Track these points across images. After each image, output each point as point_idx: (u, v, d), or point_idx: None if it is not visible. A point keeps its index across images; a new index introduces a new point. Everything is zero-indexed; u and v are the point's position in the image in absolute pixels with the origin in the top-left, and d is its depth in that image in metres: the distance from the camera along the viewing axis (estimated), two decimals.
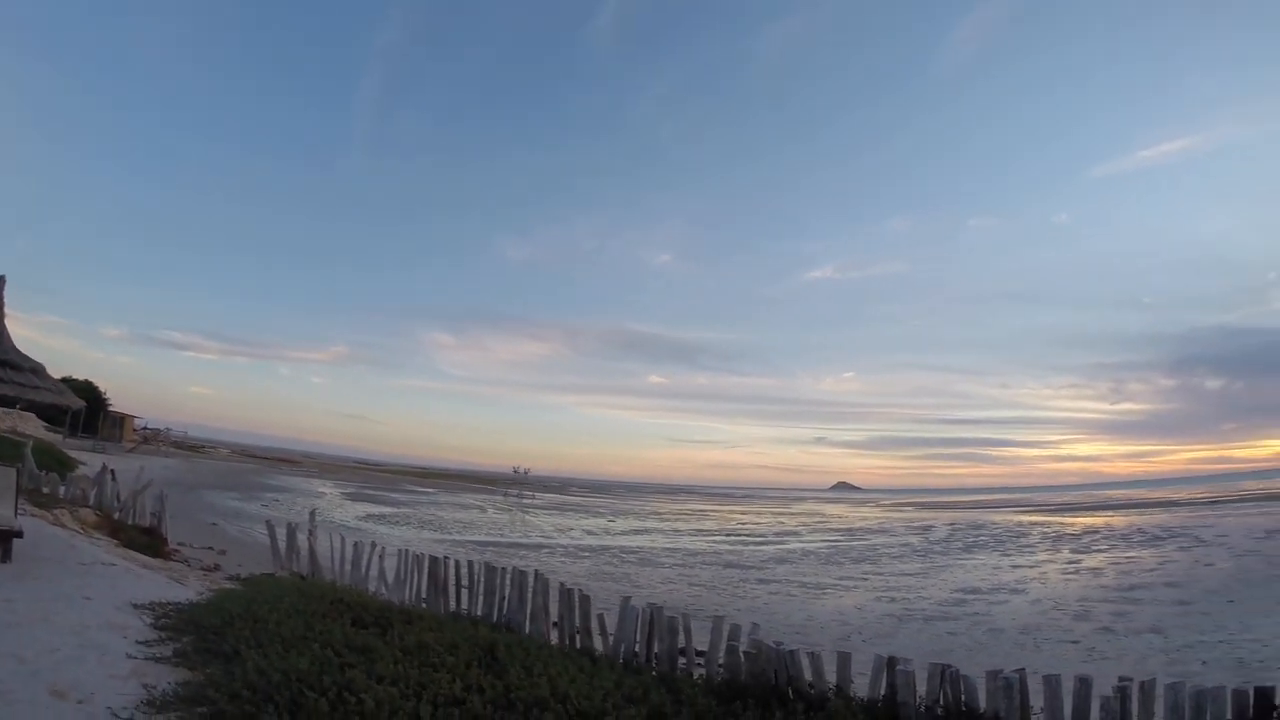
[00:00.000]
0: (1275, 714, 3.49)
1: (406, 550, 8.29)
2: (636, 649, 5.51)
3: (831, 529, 38.40)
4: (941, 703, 4.25)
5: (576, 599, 6.06)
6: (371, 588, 8.26)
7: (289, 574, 8.73)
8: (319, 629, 4.68)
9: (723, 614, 5.98)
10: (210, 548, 12.67)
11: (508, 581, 6.79)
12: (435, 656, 4.24)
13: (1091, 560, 21.48)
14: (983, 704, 4.16)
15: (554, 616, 6.22)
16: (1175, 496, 66.90)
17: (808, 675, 4.63)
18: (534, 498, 59.95)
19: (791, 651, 4.73)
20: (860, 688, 4.56)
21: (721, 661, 5.07)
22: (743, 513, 56.09)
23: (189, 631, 4.77)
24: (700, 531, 34.86)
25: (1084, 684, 4.04)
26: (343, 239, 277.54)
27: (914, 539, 31.06)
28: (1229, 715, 3.63)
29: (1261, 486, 71.41)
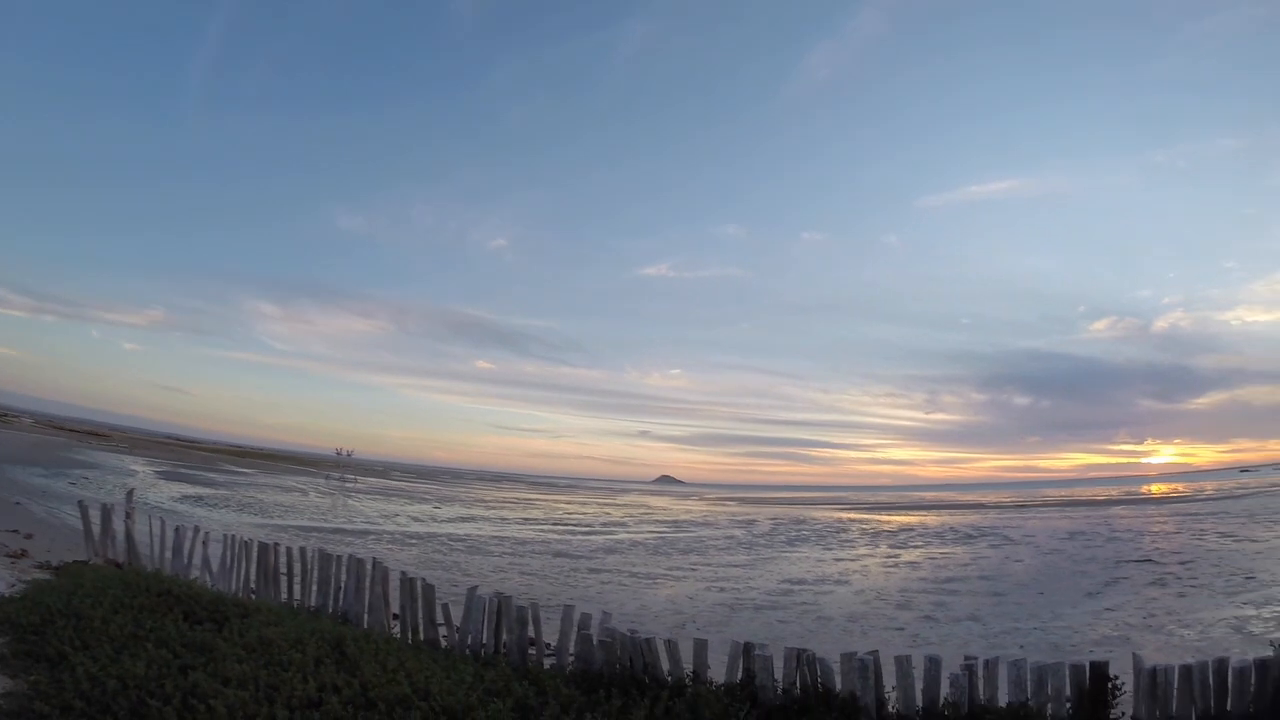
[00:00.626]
0: (1110, 685, 3.95)
1: (232, 536, 8.15)
2: (484, 640, 5.48)
3: (657, 521, 41.04)
4: (799, 684, 4.32)
5: (420, 589, 5.98)
6: (195, 575, 8.10)
7: (104, 561, 8.61)
8: (150, 625, 4.61)
9: (556, 604, 6.12)
10: (15, 531, 12.31)
11: (344, 570, 6.69)
12: (281, 654, 4.19)
13: (909, 555, 24.56)
14: (839, 685, 4.29)
15: (394, 608, 6.30)
16: (984, 500, 79.64)
17: (665, 663, 4.63)
18: (356, 481, 61.14)
19: (648, 639, 4.73)
20: (717, 673, 4.60)
21: (573, 651, 5.10)
22: (568, 502, 58.69)
23: (2, 631, 4.59)
24: (527, 520, 36.27)
25: (934, 663, 4.31)
26: (167, 195, 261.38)
27: (738, 532, 33.80)
28: (1068, 688, 4.06)
29: (1062, 494, 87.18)
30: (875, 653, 4.42)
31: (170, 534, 8.59)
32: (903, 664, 4.35)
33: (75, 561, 8.61)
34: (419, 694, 3.59)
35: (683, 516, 46.52)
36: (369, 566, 6.65)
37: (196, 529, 8.70)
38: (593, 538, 28.46)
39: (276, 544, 7.70)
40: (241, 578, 7.76)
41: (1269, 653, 4.29)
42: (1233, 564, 17.10)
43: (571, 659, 5.12)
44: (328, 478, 61.42)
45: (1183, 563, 18.68)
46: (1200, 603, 12.07)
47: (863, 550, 26.45)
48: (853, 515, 49.53)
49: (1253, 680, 3.95)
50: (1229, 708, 3.89)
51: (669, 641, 4.72)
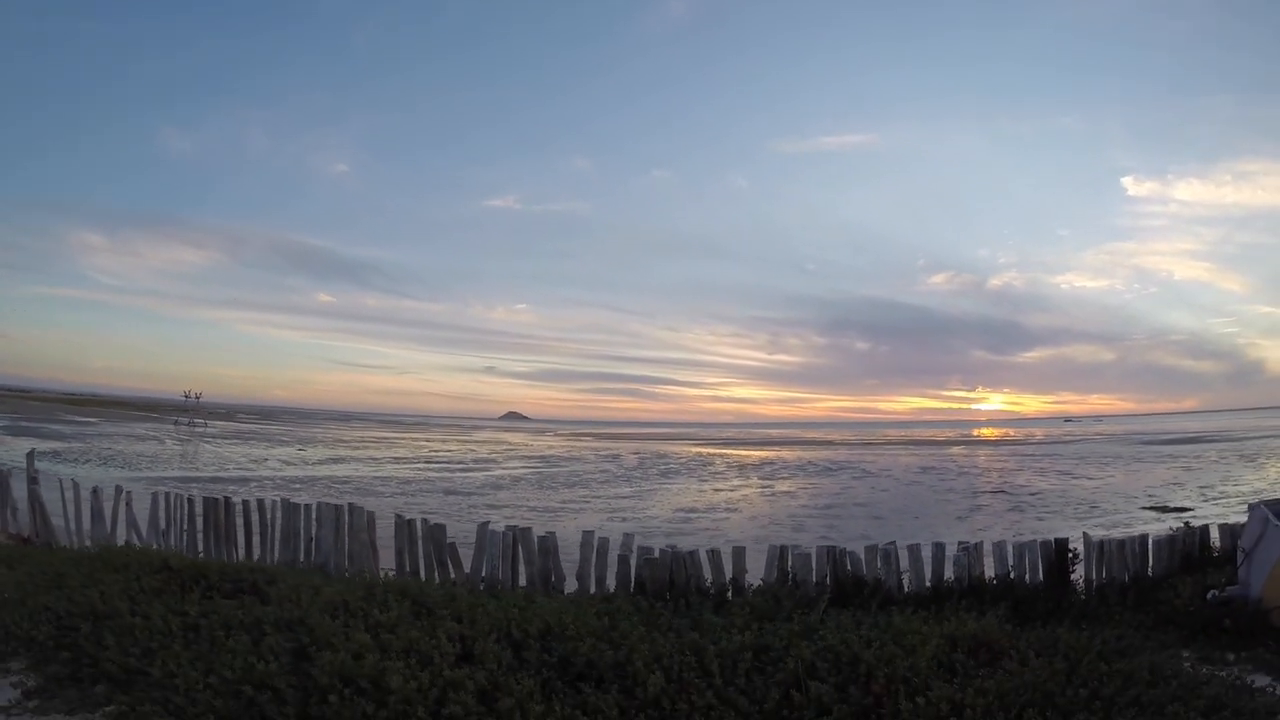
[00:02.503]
0: (1069, 554, 5.90)
1: (167, 493, 8.08)
2: (501, 576, 6.14)
3: (525, 456, 44.67)
4: (831, 576, 5.88)
5: (422, 530, 6.53)
6: (120, 542, 7.64)
7: (5, 538, 8.29)
8: (195, 611, 4.35)
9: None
10: None
11: (313, 520, 6.91)
12: (374, 617, 4.10)
13: (783, 486, 28.08)
14: (865, 572, 5.92)
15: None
16: (830, 438, 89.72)
17: (708, 573, 5.85)
18: (206, 426, 63.50)
19: (690, 552, 5.92)
20: (753, 578, 5.94)
21: (597, 574, 6.12)
22: (428, 440, 63.30)
23: (14, 651, 4.11)
24: (399, 460, 38.97)
25: (939, 548, 6.05)
26: None
27: (610, 466, 37.24)
28: (1039, 559, 5.97)
29: (902, 434, 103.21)
30: (893, 542, 6.09)
31: (87, 497, 8.36)
32: (914, 551, 6.04)
33: None
34: (554, 625, 3.99)
35: (547, 452, 50.02)
36: (347, 513, 6.87)
37: (119, 488, 8.53)
38: (472, 474, 30.54)
39: (227, 497, 7.78)
40: (183, 538, 7.72)
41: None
42: (1076, 496, 21.62)
43: (595, 583, 6.09)
44: (177, 423, 63.65)
45: (1033, 494, 23.21)
46: (1058, 524, 15.56)
47: (736, 482, 29.64)
48: (711, 450, 54.32)
49: (1165, 550, 6.10)
50: (1149, 571, 5.99)
51: (711, 551, 5.96)
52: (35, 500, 8.58)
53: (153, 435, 47.61)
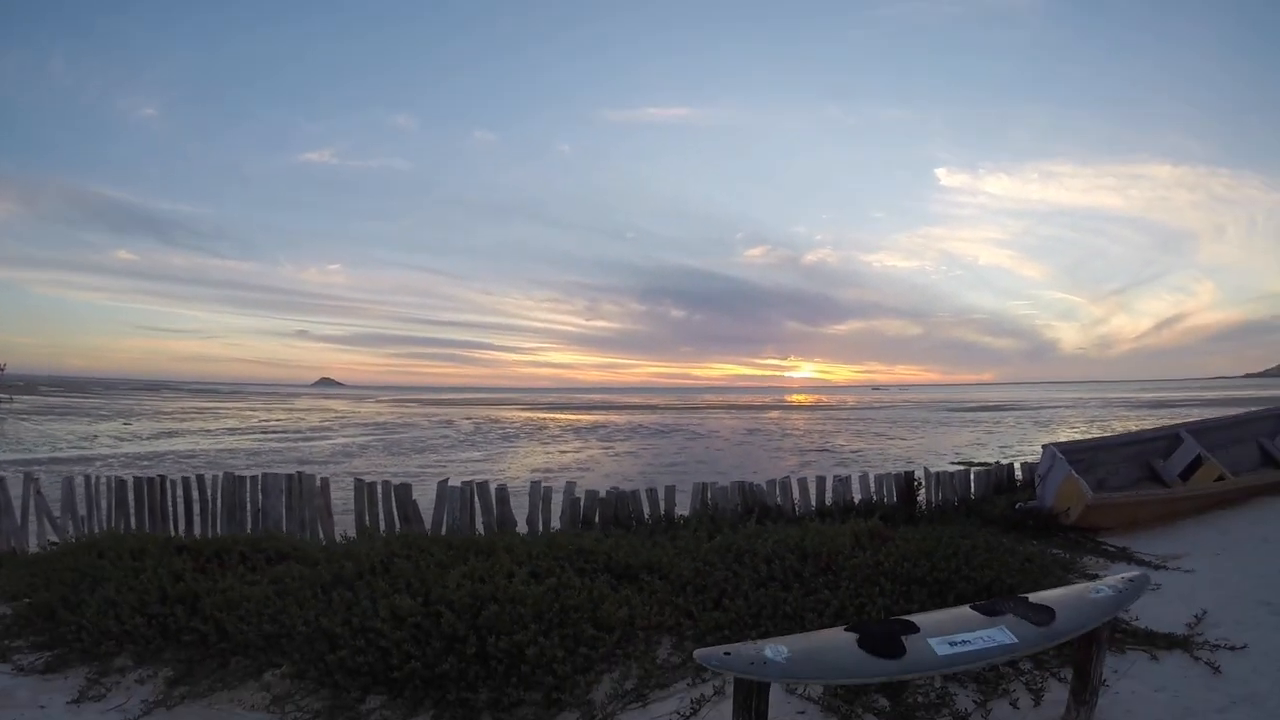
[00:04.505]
0: (915, 483, 8.17)
1: (88, 476, 7.91)
2: (458, 525, 7.25)
3: (358, 424, 45.39)
4: (742, 505, 7.77)
5: (381, 491, 7.42)
6: (33, 535, 7.66)
7: None
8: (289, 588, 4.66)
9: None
10: None
11: (259, 491, 7.45)
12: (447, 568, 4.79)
13: (623, 447, 30.30)
14: (768, 500, 7.87)
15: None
16: (653, 402, 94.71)
17: (646, 508, 7.59)
18: (12, 401, 62.72)
19: (632, 491, 7.63)
20: (683, 510, 7.73)
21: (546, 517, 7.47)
22: (252, 410, 63.62)
23: (158, 656, 4.15)
24: (233, 431, 39.21)
25: (820, 480, 8.15)
26: None
27: (448, 432, 38.50)
28: (894, 487, 8.20)
29: (720, 399, 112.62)
30: (788, 476, 8.10)
31: None
32: (802, 483, 8.08)
33: None
34: (583, 546, 5.34)
35: (380, 420, 51.13)
36: (298, 480, 7.37)
37: (28, 475, 8.21)
38: (315, 443, 31.15)
39: (163, 476, 7.82)
40: (108, 522, 7.68)
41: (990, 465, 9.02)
42: (893, 454, 25.41)
43: (543, 525, 7.34)
44: None
45: (853, 452, 26.87)
46: None
47: (577, 444, 31.54)
48: (541, 415, 56.26)
49: (983, 479, 8.56)
50: (971, 495, 8.41)
51: (649, 490, 7.70)
52: None
53: None
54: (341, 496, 8.28)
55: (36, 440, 30.81)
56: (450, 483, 7.60)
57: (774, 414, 62.60)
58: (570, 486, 7.76)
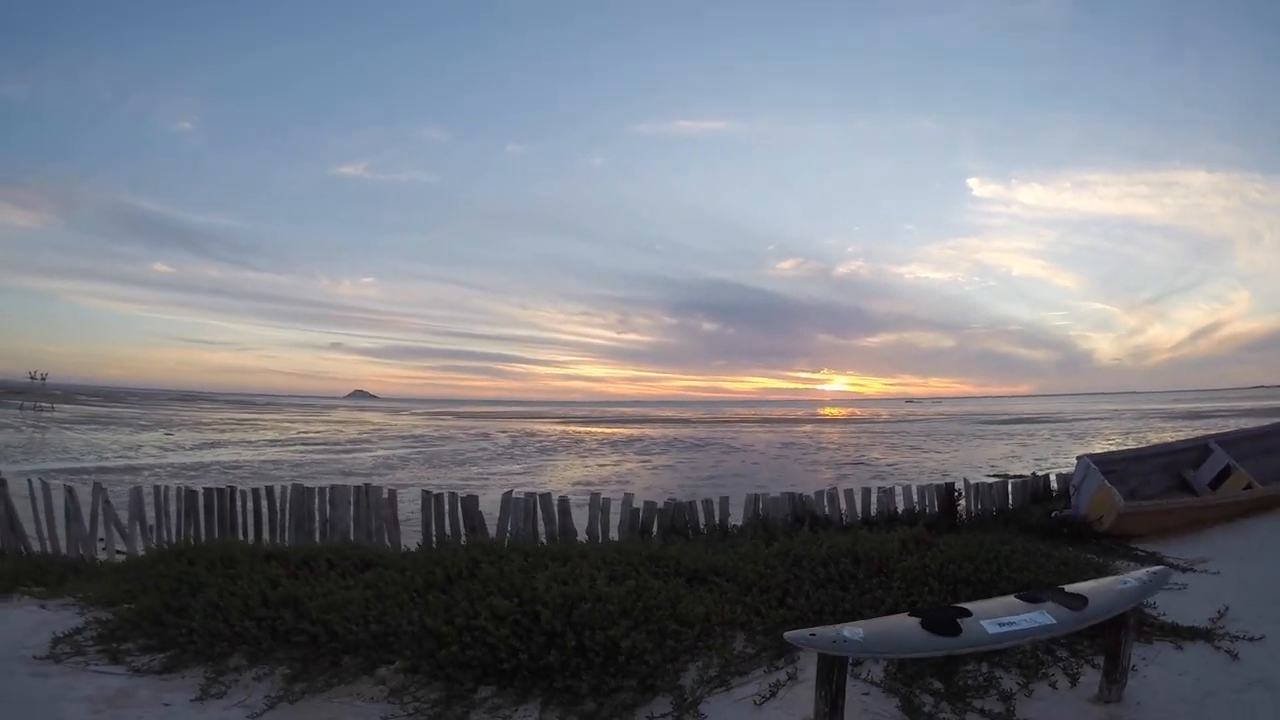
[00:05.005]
0: (955, 493, 8.62)
1: (158, 487, 8.19)
2: (523, 535, 7.74)
3: (396, 436, 46.56)
4: (792, 514, 8.29)
5: (449, 502, 7.90)
6: (101, 544, 7.98)
7: None
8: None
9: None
10: None
11: (327, 503, 7.92)
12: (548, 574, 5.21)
13: (660, 460, 30.83)
14: (816, 510, 8.37)
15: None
16: (686, 416, 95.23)
17: (702, 517, 8.12)
18: (53, 410, 64.27)
19: (689, 501, 8.17)
20: (735, 520, 8.26)
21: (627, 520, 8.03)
22: (289, 421, 65.32)
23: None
24: (274, 442, 40.12)
25: (866, 491, 8.64)
26: None
27: (486, 445, 39.41)
28: (936, 497, 8.66)
29: (753, 413, 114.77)
30: (837, 487, 8.59)
31: (60, 497, 8.22)
32: (849, 494, 8.57)
33: None
34: (653, 553, 5.87)
35: (415, 432, 52.06)
36: (365, 492, 7.78)
37: (97, 485, 8.49)
38: (356, 455, 31.96)
39: (232, 487, 8.17)
40: (179, 531, 8.00)
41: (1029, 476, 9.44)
42: (929, 467, 25.70)
43: (602, 535, 7.81)
44: (22, 408, 63.70)
45: (889, 465, 27.17)
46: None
47: (615, 457, 32.15)
48: (576, 429, 57.07)
49: (1020, 490, 8.99)
50: (1009, 504, 8.84)
51: (705, 502, 8.24)
52: (3, 504, 8.38)
53: (5, 423, 46.51)
54: (402, 508, 8.77)
55: (82, 449, 31.72)
56: (514, 494, 8.08)
57: (808, 427, 62.79)
58: (629, 498, 8.29)
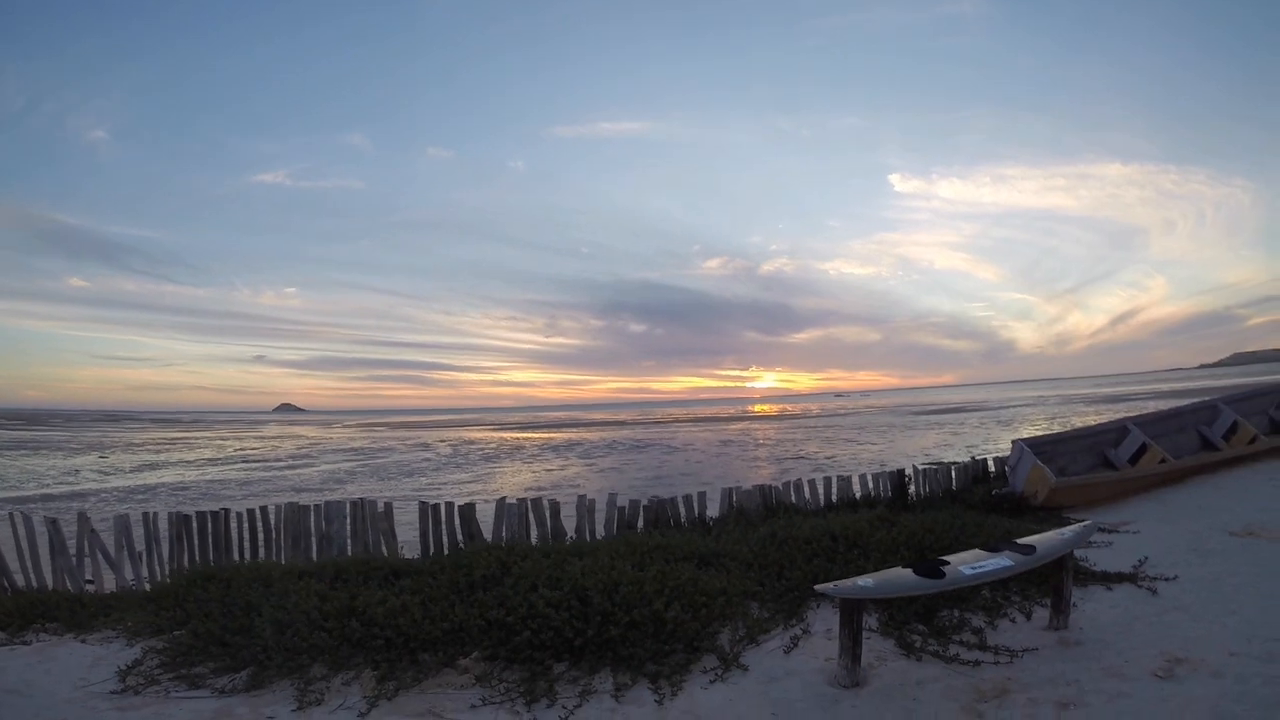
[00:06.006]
0: (905, 478, 9.69)
1: (146, 514, 8.31)
2: (517, 538, 8.41)
3: (336, 450, 46.43)
4: (764, 505, 9.22)
5: (445, 512, 8.48)
6: (89, 575, 7.98)
7: None
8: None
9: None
10: None
11: (323, 519, 8.29)
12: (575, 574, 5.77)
13: (605, 462, 31.61)
14: (786, 499, 9.32)
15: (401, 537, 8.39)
16: (620, 418, 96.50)
17: (683, 511, 8.97)
18: None
19: (671, 498, 9.00)
20: (712, 512, 9.13)
21: (614, 518, 8.86)
22: (222, 439, 64.03)
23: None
24: (213, 461, 40.00)
25: (828, 480, 9.64)
26: None
27: (428, 455, 39.61)
28: (888, 483, 9.71)
29: (686, 413, 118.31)
30: (801, 478, 9.57)
31: (40, 528, 8.20)
32: (812, 483, 9.56)
33: None
34: (660, 544, 6.69)
35: (356, 445, 52.08)
36: (361, 506, 8.21)
37: (82, 515, 8.49)
38: (300, 471, 32.03)
39: (226, 509, 8.40)
40: (169, 558, 8.17)
41: (967, 460, 10.60)
42: (866, 458, 27.16)
43: (589, 533, 8.59)
44: None
45: (828, 458, 28.55)
46: None
47: (560, 462, 32.83)
48: (513, 435, 57.46)
49: (962, 473, 10.13)
50: (953, 486, 9.97)
51: (685, 496, 9.08)
52: None
53: None
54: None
55: (20, 477, 30.91)
56: (508, 500, 8.70)
57: (742, 425, 64.49)
58: (614, 497, 9.05)
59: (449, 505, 8.55)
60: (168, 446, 53.03)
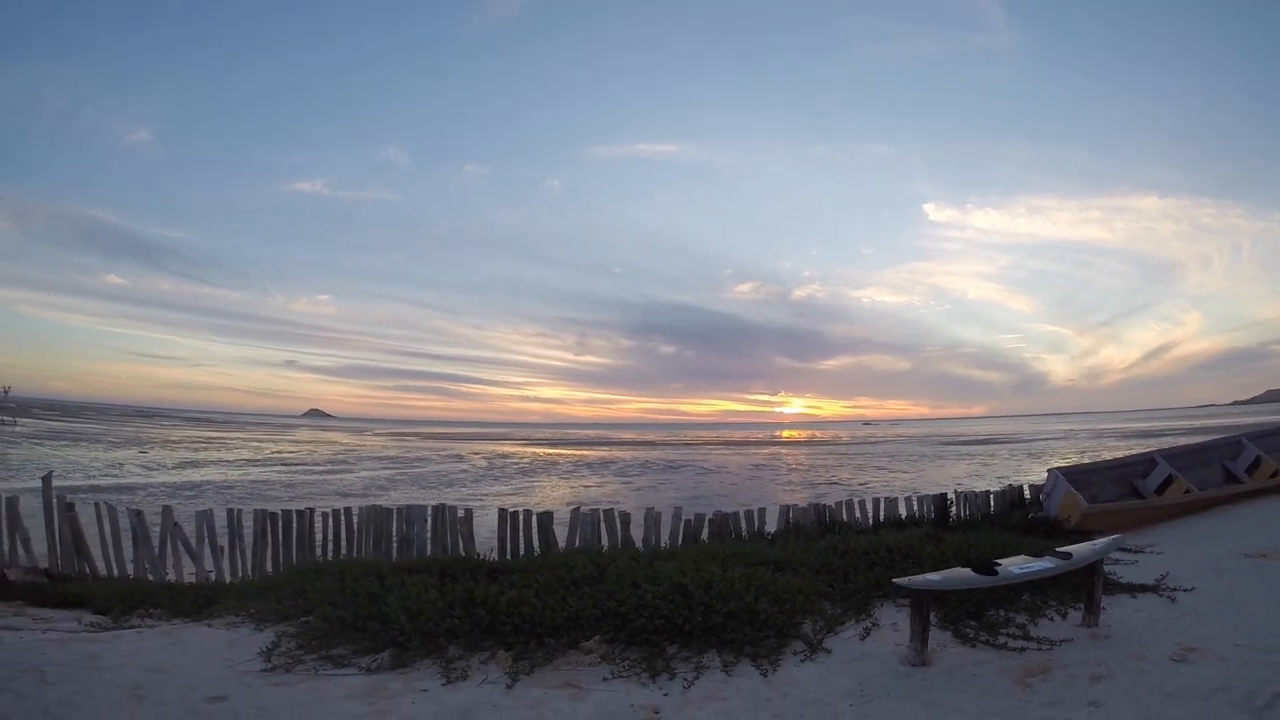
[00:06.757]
0: (947, 501, 10.54)
1: (230, 509, 9.03)
2: (591, 545, 9.27)
3: (371, 458, 47.61)
4: (819, 521, 10.09)
5: (523, 520, 9.28)
6: (169, 567, 8.56)
7: (22, 573, 8.21)
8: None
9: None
10: None
11: (404, 521, 8.97)
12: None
13: (641, 481, 32.51)
14: (840, 517, 10.19)
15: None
16: (650, 438, 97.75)
17: (744, 524, 9.86)
18: (15, 425, 64.53)
19: (734, 512, 9.92)
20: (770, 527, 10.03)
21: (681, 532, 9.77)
22: (257, 440, 66.92)
23: None
24: (253, 461, 41.33)
25: (877, 500, 10.51)
26: None
27: (464, 466, 41.04)
28: (931, 505, 10.55)
29: (716, 435, 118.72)
30: (852, 499, 10.45)
31: (124, 520, 8.74)
32: (863, 503, 10.43)
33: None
34: (736, 551, 7.98)
35: (390, 453, 53.38)
36: (443, 511, 8.94)
37: (166, 508, 8.97)
38: (342, 476, 33.13)
39: (310, 509, 9.03)
40: (253, 554, 8.78)
41: (1004, 488, 11.43)
42: (899, 485, 27.84)
43: (656, 542, 9.46)
44: None
45: (861, 484, 29.23)
46: None
47: (595, 479, 33.84)
48: (545, 450, 58.68)
49: (1000, 498, 10.95)
50: (991, 510, 10.78)
51: (746, 511, 9.97)
52: (69, 527, 8.76)
53: None
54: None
55: (64, 467, 31.85)
56: (582, 509, 9.62)
57: (773, 449, 65.08)
58: (679, 510, 9.97)
59: (527, 513, 9.36)
60: (204, 445, 54.54)
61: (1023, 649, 5.13)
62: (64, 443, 48.46)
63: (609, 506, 10.23)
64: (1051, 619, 5.78)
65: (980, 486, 26.01)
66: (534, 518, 9.29)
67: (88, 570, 8.74)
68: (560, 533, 9.36)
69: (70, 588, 7.68)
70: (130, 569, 8.74)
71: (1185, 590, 6.36)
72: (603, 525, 9.42)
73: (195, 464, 37.49)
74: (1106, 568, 6.63)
